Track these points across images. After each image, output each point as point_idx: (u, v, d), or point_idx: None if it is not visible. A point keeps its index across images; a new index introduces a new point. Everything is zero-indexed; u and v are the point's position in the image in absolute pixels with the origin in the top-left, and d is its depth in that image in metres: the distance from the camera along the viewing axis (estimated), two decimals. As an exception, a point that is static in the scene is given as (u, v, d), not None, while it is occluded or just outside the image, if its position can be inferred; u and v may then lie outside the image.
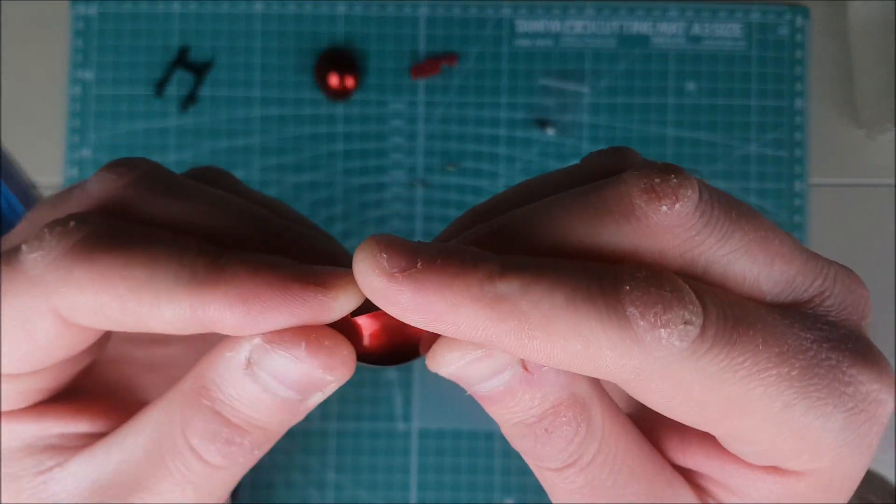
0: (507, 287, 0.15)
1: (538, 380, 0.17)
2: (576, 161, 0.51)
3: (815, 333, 0.17)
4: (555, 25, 0.52)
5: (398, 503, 0.50)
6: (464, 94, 0.52)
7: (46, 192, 0.51)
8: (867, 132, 0.52)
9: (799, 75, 0.52)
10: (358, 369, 0.17)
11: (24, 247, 0.17)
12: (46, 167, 0.52)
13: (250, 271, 0.17)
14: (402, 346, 0.17)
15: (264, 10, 0.52)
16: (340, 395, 0.50)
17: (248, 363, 0.17)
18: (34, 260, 0.17)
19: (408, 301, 0.16)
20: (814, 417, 0.16)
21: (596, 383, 0.18)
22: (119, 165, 0.19)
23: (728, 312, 0.16)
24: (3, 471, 0.20)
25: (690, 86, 0.52)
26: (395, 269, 0.16)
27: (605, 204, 0.17)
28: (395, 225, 0.51)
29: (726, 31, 0.52)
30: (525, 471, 0.50)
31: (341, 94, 0.51)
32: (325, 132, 0.51)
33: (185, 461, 0.18)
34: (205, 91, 0.51)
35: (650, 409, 0.19)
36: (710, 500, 0.19)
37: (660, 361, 0.15)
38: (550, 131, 0.51)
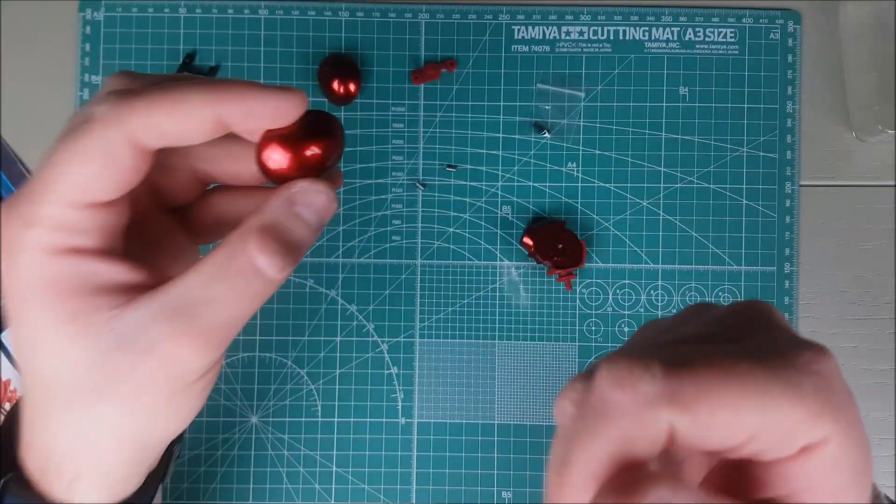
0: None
1: None
2: (571, 163, 0.51)
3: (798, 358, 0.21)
4: (551, 32, 0.53)
5: (398, 496, 0.51)
6: (463, 98, 0.52)
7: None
8: (858, 134, 0.53)
9: (791, 79, 0.53)
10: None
11: (93, 106, 0.25)
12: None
13: (245, 82, 0.26)
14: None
15: (269, 16, 0.53)
16: (342, 392, 0.51)
17: (291, 202, 0.26)
18: (101, 111, 0.24)
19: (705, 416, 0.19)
20: (815, 389, 0.20)
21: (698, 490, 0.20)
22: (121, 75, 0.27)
23: None
24: (72, 306, 0.24)
25: (684, 90, 0.53)
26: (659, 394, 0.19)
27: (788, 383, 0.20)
28: (395, 225, 0.52)
29: (719, 36, 0.53)
30: (522, 465, 0.51)
31: (344, 99, 0.51)
32: (327, 135, 0.52)
33: (247, 278, 0.25)
34: (210, 95, 0.52)
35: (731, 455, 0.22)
36: None
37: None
38: (547, 134, 0.52)
